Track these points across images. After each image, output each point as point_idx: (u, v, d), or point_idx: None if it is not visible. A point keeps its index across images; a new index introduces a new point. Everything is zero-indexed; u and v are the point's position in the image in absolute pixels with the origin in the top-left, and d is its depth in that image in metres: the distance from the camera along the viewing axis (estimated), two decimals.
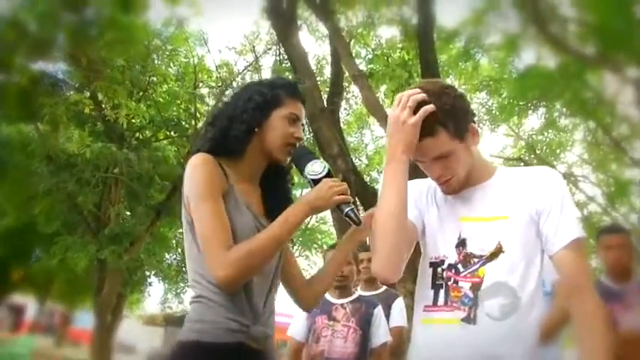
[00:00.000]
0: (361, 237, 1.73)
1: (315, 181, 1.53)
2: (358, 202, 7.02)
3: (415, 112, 1.42)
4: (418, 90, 1.44)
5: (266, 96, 1.59)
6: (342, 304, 3.00)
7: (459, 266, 1.46)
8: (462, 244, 1.47)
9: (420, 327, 1.50)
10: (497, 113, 12.23)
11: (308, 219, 1.81)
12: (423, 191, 1.56)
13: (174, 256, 14.29)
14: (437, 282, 1.47)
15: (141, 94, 10.19)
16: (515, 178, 1.53)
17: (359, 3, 9.06)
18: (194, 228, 1.48)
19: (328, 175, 1.54)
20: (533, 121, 13.19)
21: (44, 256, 11.19)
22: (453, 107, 1.44)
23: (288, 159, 1.63)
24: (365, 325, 2.95)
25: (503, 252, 1.42)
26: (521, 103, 11.71)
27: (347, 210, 1.50)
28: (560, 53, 11.13)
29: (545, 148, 13.31)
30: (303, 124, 1.66)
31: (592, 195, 13.54)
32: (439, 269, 1.48)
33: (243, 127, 1.56)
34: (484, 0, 11.44)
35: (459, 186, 1.50)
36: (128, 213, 11.43)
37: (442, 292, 1.45)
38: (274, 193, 1.66)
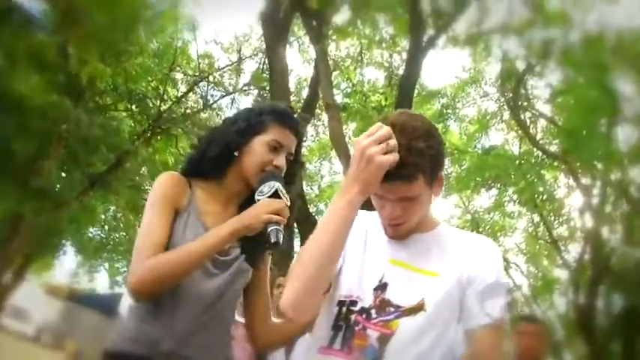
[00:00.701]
0: None
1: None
2: (296, 230, 6.90)
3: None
4: (402, 124, 1.28)
5: (250, 121, 1.57)
6: (243, 324, 2.83)
7: (372, 311, 1.33)
8: (381, 287, 1.34)
9: None
10: (454, 182, 12.46)
11: None
12: (354, 225, 1.37)
13: (98, 232, 13.70)
14: (339, 323, 1.34)
15: (113, 58, 9.83)
16: (455, 238, 1.44)
17: (354, 37, 9.12)
18: None
19: (274, 195, 1.48)
20: (484, 199, 13.52)
21: None
22: (437, 153, 1.31)
23: None
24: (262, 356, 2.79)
25: (424, 310, 1.31)
26: (478, 179, 11.99)
27: (270, 228, 1.42)
28: (526, 143, 11.53)
29: (488, 227, 13.62)
30: (291, 153, 1.60)
31: (519, 284, 13.88)
32: (344, 309, 1.34)
33: (218, 150, 1.54)
34: (470, 72, 11.81)
35: (406, 233, 1.39)
36: (63, 175, 10.90)
37: (341, 334, 1.33)
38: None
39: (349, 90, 9.49)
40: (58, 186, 10.21)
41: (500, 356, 1.37)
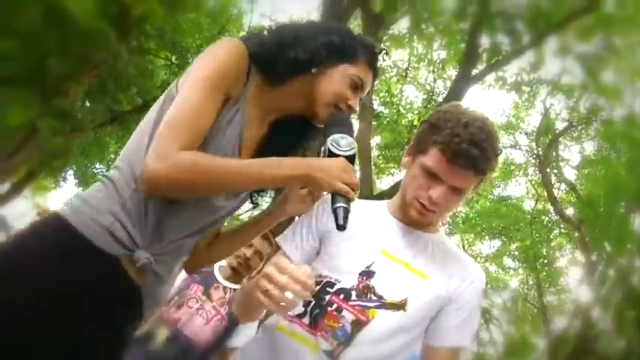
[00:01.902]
0: (295, 212, 1.44)
1: (332, 155, 1.24)
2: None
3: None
4: (486, 119, 1.31)
5: (344, 43, 1.29)
6: (224, 287, 2.77)
7: (353, 293, 1.28)
8: (368, 274, 1.30)
9: (273, 331, 1.32)
10: (461, 223, 12.38)
11: None
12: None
13: (103, 170, 13.74)
14: (310, 300, 1.28)
15: (169, 6, 9.85)
16: (451, 251, 1.42)
17: (406, 48, 9.06)
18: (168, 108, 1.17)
19: (351, 159, 1.25)
20: (486, 247, 13.38)
21: None
22: (495, 167, 1.32)
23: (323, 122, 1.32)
24: (234, 321, 2.73)
25: (404, 310, 1.27)
26: (485, 226, 11.90)
27: (338, 205, 1.17)
28: (542, 201, 11.40)
29: None
30: (361, 99, 1.37)
31: (495, 340, 13.71)
32: (318, 288, 1.29)
33: (301, 55, 1.25)
34: (508, 119, 11.69)
35: (428, 222, 1.37)
36: (87, 103, 10.95)
37: (309, 310, 1.29)
38: (276, 145, 1.33)
39: (387, 100, 9.43)
40: (79, 113, 10.24)
41: None
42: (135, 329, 1.23)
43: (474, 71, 7.88)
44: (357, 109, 1.34)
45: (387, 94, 9.64)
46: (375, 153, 9.89)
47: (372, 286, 1.29)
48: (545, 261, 11.62)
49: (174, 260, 1.24)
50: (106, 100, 10.26)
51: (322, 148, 1.26)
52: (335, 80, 1.28)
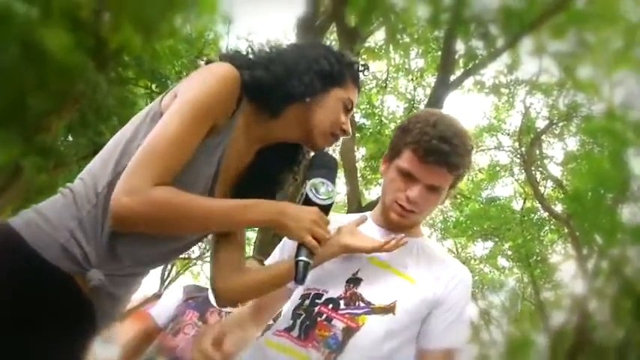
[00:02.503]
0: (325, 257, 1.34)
1: (308, 201, 1.20)
2: None
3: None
4: (454, 119, 1.34)
5: (333, 67, 1.26)
6: (220, 311, 2.76)
7: (341, 302, 1.29)
8: (355, 281, 1.32)
9: (262, 347, 1.33)
10: (452, 227, 12.42)
11: None
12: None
13: None
14: (298, 311, 1.31)
15: (145, 35, 9.90)
16: (437, 254, 1.44)
17: (383, 60, 9.16)
18: (156, 121, 1.11)
19: (326, 208, 1.21)
20: (479, 249, 13.43)
21: None
22: (471, 163, 1.38)
23: (326, 148, 1.31)
24: None
25: (393, 314, 1.28)
26: (476, 228, 11.95)
27: (300, 258, 1.14)
28: (530, 200, 11.49)
29: (477, 278, 13.52)
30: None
31: (496, 340, 13.72)
32: (307, 301, 1.31)
33: (298, 88, 1.21)
34: (490, 121, 11.82)
35: (409, 225, 1.38)
36: (70, 137, 10.90)
37: (299, 322, 1.29)
38: (264, 171, 1.31)
39: (368, 111, 9.50)
40: (62, 148, 10.18)
41: None
42: (88, 345, 1.18)
43: (452, 77, 7.98)
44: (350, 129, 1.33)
45: (368, 105, 9.71)
46: (360, 165, 9.93)
47: (360, 294, 1.30)
48: (539, 258, 11.68)
49: (131, 281, 1.20)
50: (88, 133, 10.21)
51: (301, 191, 1.22)
52: (330, 108, 1.26)
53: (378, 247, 1.29)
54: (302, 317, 1.29)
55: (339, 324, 1.26)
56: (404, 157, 1.31)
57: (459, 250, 13.97)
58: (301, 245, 1.14)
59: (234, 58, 1.23)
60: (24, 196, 10.48)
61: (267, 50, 1.27)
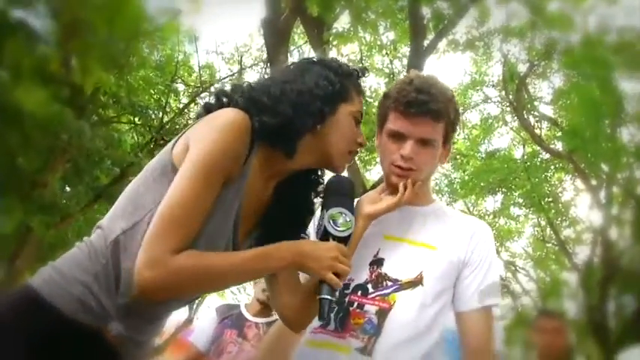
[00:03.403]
0: None
1: (327, 234, 1.20)
2: None
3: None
4: (433, 77, 1.39)
5: (335, 85, 1.23)
6: (256, 324, 2.79)
7: (369, 286, 1.32)
8: (377, 262, 1.34)
9: (303, 348, 1.35)
10: (458, 188, 12.42)
11: None
12: None
13: None
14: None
15: (116, 72, 9.89)
16: (453, 216, 1.45)
17: (354, 42, 9.13)
18: (169, 175, 1.11)
19: (345, 240, 1.21)
20: (490, 203, 13.45)
21: None
22: (457, 114, 1.39)
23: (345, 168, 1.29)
24: None
25: (422, 285, 1.30)
26: (482, 184, 11.95)
27: (323, 296, 1.15)
28: (530, 144, 11.50)
29: (494, 232, 13.53)
30: None
31: (527, 289, 13.76)
32: (336, 293, 1.31)
33: (310, 122, 1.19)
34: (472, 77, 11.81)
35: (416, 178, 1.36)
36: (67, 188, 10.90)
37: (332, 316, 1.31)
38: (288, 203, 1.29)
39: None
40: (63, 200, 10.19)
41: (492, 340, 1.37)
42: None
43: (426, 43, 7.96)
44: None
45: None
46: None
47: (385, 273, 1.32)
48: (550, 199, 11.70)
49: (155, 326, 1.21)
50: (84, 180, 10.23)
51: (319, 223, 1.23)
52: (342, 127, 1.24)
53: (399, 199, 1.30)
54: (335, 310, 1.30)
55: (371, 308, 1.29)
56: (390, 119, 1.35)
57: (471, 209, 14.00)
58: (322, 283, 1.15)
59: (246, 102, 1.19)
60: (38, 255, 10.52)
61: (267, 84, 1.25)
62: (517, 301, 13.46)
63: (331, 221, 1.20)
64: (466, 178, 12.05)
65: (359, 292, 1.31)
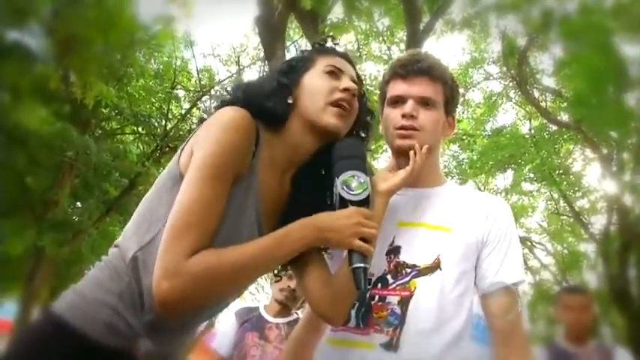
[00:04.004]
0: None
1: (344, 201, 1.12)
2: None
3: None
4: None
5: (297, 62, 1.26)
6: (277, 324, 2.77)
7: (388, 277, 1.28)
8: (394, 251, 1.29)
9: (325, 347, 1.32)
10: (467, 168, 12.35)
11: None
12: None
13: None
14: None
15: (115, 83, 9.90)
16: (467, 195, 1.39)
17: (350, 32, 9.07)
18: (178, 184, 1.08)
19: (364, 202, 1.12)
20: (500, 181, 13.36)
21: None
22: (455, 86, 1.40)
23: (340, 124, 1.20)
24: None
25: (440, 269, 1.26)
26: (491, 162, 11.86)
27: (356, 265, 1.07)
28: (536, 118, 11.38)
29: None
30: (355, 81, 1.25)
31: (546, 263, 13.69)
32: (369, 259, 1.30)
33: (280, 99, 1.20)
34: (471, 55, 11.70)
35: (418, 145, 1.31)
36: (78, 204, 10.96)
37: (354, 313, 1.27)
38: (308, 197, 1.23)
39: None
40: (74, 216, 10.26)
41: (521, 319, 1.31)
42: None
43: (422, 26, 7.88)
44: (355, 86, 1.23)
45: None
46: None
47: (403, 261, 1.27)
48: (561, 171, 11.59)
49: (184, 336, 1.18)
50: (94, 194, 10.28)
51: (334, 191, 1.14)
52: (311, 86, 1.21)
53: (412, 167, 1.28)
54: (356, 306, 1.27)
55: (393, 299, 1.25)
56: (389, 90, 1.36)
57: (482, 188, 13.91)
58: (351, 252, 1.08)
59: (241, 94, 1.21)
60: (55, 273, 10.60)
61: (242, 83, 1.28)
62: (536, 276, 13.41)
63: (345, 187, 1.11)
64: (474, 157, 11.96)
65: (379, 285, 1.27)
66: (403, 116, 1.30)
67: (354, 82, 1.24)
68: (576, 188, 12.13)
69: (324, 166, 1.26)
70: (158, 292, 0.99)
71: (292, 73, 1.24)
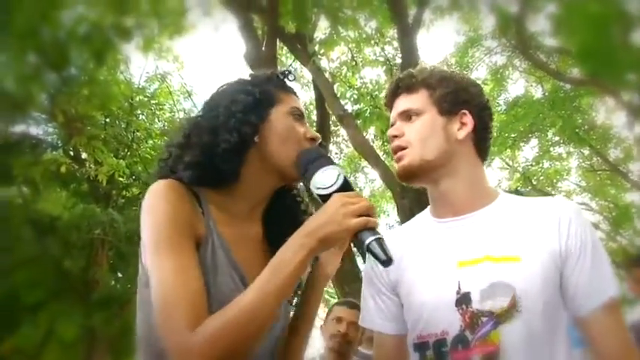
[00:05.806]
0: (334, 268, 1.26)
1: (325, 198, 1.05)
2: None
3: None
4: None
5: (254, 94, 1.16)
6: None
7: (467, 334, 1.08)
8: (464, 300, 1.10)
9: None
10: (491, 147, 12.08)
11: None
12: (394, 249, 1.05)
13: None
14: None
15: (126, 150, 10.00)
16: (524, 207, 1.18)
17: (340, 44, 9.00)
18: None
19: (344, 187, 1.05)
20: (527, 152, 13.04)
21: (30, 326, 10.74)
22: (455, 84, 1.25)
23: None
24: None
25: (518, 311, 1.06)
26: (513, 135, 11.60)
27: (369, 240, 0.99)
28: (547, 81, 11.10)
29: (541, 177, 13.10)
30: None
31: (595, 222, 13.24)
32: (430, 353, 1.11)
33: (235, 138, 1.11)
34: (467, 35, 11.52)
35: (413, 165, 1.20)
36: (119, 275, 11.04)
37: None
38: (279, 226, 1.19)
39: (355, 96, 9.33)
40: (117, 286, 10.31)
41: (630, 343, 1.10)
42: None
43: (410, 19, 7.76)
44: (319, 135, 1.20)
45: (352, 90, 9.55)
46: (377, 144, 9.74)
47: (477, 310, 1.08)
48: (587, 127, 11.25)
49: None
50: (131, 262, 10.33)
51: (314, 196, 1.10)
52: (280, 130, 1.16)
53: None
54: None
55: (476, 357, 1.07)
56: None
57: (510, 163, 13.61)
58: (357, 233, 1.00)
59: (167, 163, 1.17)
60: (110, 349, 10.64)
61: (184, 129, 1.19)
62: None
63: (320, 187, 1.06)
64: (495, 134, 11.70)
65: (459, 346, 1.08)
66: (390, 137, 1.26)
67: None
68: (606, 140, 11.75)
69: (291, 206, 1.25)
70: None
71: (258, 107, 1.16)
